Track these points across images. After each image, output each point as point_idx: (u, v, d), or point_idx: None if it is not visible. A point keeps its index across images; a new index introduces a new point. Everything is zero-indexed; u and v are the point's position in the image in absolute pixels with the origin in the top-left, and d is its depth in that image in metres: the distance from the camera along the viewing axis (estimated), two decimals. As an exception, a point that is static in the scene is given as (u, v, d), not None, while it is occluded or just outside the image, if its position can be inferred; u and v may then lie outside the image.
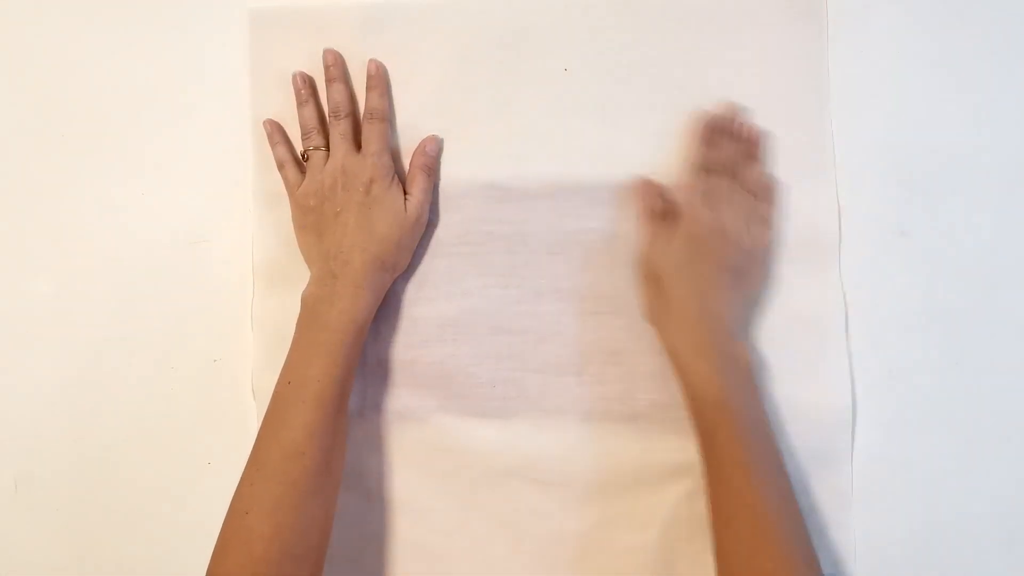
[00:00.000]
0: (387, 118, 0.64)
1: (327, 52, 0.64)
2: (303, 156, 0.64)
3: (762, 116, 0.64)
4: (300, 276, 0.65)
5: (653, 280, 0.61)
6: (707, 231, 0.60)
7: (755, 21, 0.64)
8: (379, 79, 0.64)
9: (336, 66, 0.64)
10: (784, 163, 0.64)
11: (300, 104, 0.65)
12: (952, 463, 0.63)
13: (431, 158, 0.64)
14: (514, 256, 0.65)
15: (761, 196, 0.63)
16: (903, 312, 0.63)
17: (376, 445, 0.65)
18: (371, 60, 0.64)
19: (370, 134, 0.63)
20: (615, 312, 0.64)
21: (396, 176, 0.63)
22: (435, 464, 0.65)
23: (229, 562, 0.54)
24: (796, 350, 0.63)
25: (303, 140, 0.64)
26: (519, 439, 0.64)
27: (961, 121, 0.63)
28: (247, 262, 0.66)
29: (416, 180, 0.63)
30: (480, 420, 0.65)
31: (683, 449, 0.63)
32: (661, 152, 0.64)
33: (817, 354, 0.63)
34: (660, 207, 0.63)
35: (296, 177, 0.64)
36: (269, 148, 0.66)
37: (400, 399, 0.65)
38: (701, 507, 0.63)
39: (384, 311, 0.65)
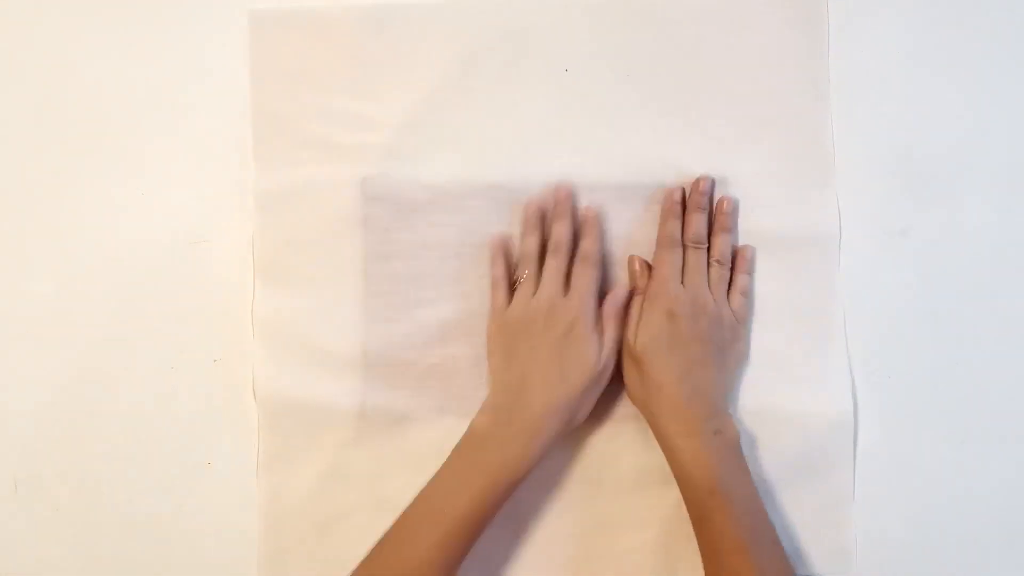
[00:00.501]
0: (600, 264, 0.63)
1: (560, 188, 0.64)
2: (514, 281, 0.64)
3: (762, 116, 0.64)
4: (300, 276, 0.65)
5: (634, 361, 0.61)
6: (683, 307, 0.60)
7: (755, 21, 0.64)
8: (595, 225, 0.63)
9: (565, 202, 0.63)
10: (784, 163, 0.64)
11: (527, 232, 0.64)
12: (952, 463, 0.63)
13: (622, 307, 0.63)
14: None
15: (735, 266, 0.63)
16: (903, 312, 0.63)
17: (376, 446, 0.65)
18: (587, 207, 0.64)
19: (581, 276, 0.62)
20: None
21: (596, 323, 0.61)
22: (435, 465, 0.65)
23: None
24: (796, 350, 0.63)
25: (520, 264, 0.63)
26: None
27: (961, 121, 0.63)
28: (247, 262, 0.66)
29: (610, 330, 0.62)
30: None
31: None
32: (662, 152, 0.64)
33: (817, 354, 0.63)
34: (635, 284, 0.63)
35: (503, 300, 0.63)
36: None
37: (400, 400, 0.65)
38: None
39: (384, 312, 0.65)
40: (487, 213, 0.65)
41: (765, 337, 0.63)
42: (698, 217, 0.63)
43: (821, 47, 0.64)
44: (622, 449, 0.64)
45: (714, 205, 0.64)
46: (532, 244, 0.63)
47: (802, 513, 0.63)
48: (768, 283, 0.64)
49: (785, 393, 0.63)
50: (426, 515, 0.58)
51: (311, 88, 0.66)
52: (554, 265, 0.62)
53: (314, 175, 0.65)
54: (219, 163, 0.67)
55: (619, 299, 0.63)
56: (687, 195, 0.63)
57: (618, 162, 0.64)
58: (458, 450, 0.60)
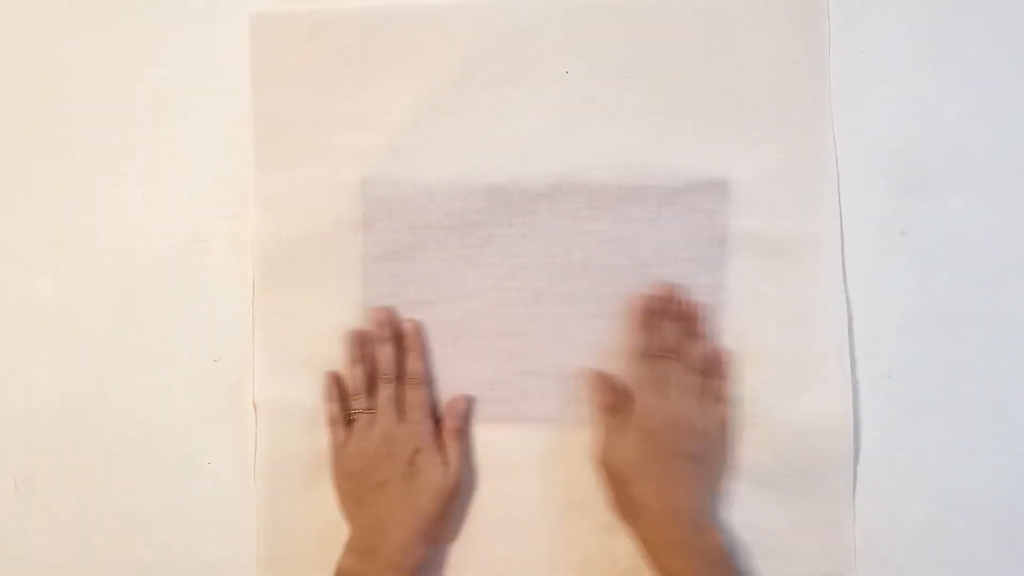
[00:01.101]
0: (428, 381, 0.64)
1: (378, 310, 0.64)
2: (349, 416, 0.64)
3: (763, 116, 0.63)
4: (300, 276, 0.65)
5: (615, 477, 0.60)
6: (660, 422, 0.59)
7: (756, 22, 0.64)
8: (416, 340, 0.64)
9: (388, 325, 0.64)
10: (784, 163, 0.63)
11: (352, 362, 0.64)
12: (952, 463, 0.63)
13: (461, 419, 0.63)
14: (515, 258, 0.65)
15: (710, 372, 0.62)
16: (903, 312, 0.63)
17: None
18: (407, 320, 0.64)
19: (413, 399, 0.63)
20: (615, 314, 0.64)
21: (437, 442, 0.62)
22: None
23: None
24: (796, 350, 0.63)
25: (352, 400, 0.63)
26: (518, 441, 0.64)
27: (961, 121, 0.63)
28: (247, 262, 0.66)
29: (451, 446, 0.62)
30: (480, 423, 0.65)
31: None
32: (662, 153, 0.64)
33: (817, 354, 0.63)
34: (612, 400, 0.62)
35: (343, 437, 0.63)
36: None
37: (400, 400, 0.65)
38: (701, 507, 0.63)
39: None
40: (487, 213, 0.65)
41: (765, 337, 0.63)
42: (668, 326, 0.62)
43: (822, 47, 0.64)
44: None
45: (681, 312, 0.62)
46: (359, 375, 0.63)
47: (802, 513, 0.63)
48: (768, 284, 0.63)
49: (785, 393, 0.63)
50: None
51: (311, 89, 0.66)
52: (385, 394, 0.62)
53: (314, 175, 0.65)
54: (219, 163, 0.67)
55: (458, 412, 0.63)
56: (653, 303, 0.62)
57: (618, 163, 0.64)
58: None
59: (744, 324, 0.63)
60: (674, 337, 0.62)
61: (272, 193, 0.66)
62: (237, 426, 0.66)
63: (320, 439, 0.64)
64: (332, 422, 0.63)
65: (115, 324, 0.67)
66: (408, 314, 0.65)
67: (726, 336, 0.64)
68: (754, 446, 0.63)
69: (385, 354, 0.63)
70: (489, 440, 0.65)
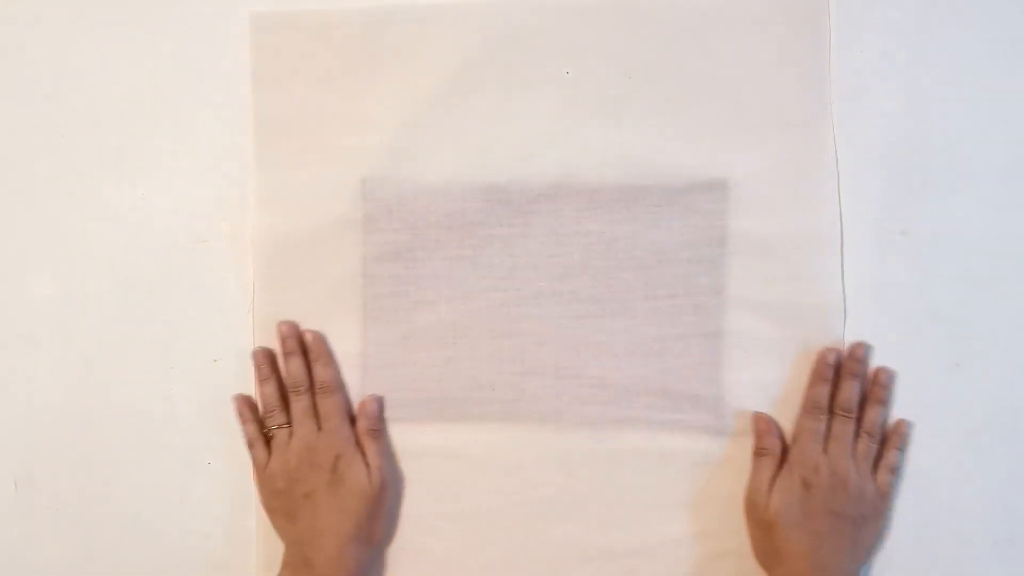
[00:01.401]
0: (339, 386, 0.64)
1: (281, 324, 0.64)
2: (267, 434, 0.64)
3: (763, 116, 0.63)
4: (300, 276, 0.65)
5: (764, 525, 0.59)
6: (819, 476, 0.59)
7: (756, 21, 0.64)
8: (320, 348, 0.64)
9: (292, 338, 0.64)
10: (785, 163, 0.63)
11: (261, 381, 0.64)
12: (952, 463, 0.63)
13: (375, 419, 0.64)
14: (515, 258, 0.65)
15: (888, 442, 0.61)
16: (903, 312, 0.63)
17: (376, 446, 0.65)
18: (306, 331, 0.64)
19: (326, 407, 0.63)
20: (615, 315, 0.64)
21: (358, 446, 0.63)
22: (434, 467, 0.65)
23: None
24: (796, 350, 0.63)
25: (266, 418, 0.64)
26: (518, 442, 0.64)
27: (962, 120, 0.63)
28: (247, 262, 0.66)
29: (369, 448, 0.63)
30: (480, 423, 0.65)
31: (683, 451, 0.63)
32: (662, 153, 0.64)
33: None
34: (773, 445, 0.61)
35: (264, 456, 0.63)
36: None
37: (400, 402, 0.65)
38: (700, 508, 0.63)
39: (384, 313, 0.65)
40: (487, 213, 0.65)
41: (765, 337, 0.63)
42: (851, 384, 0.61)
43: (823, 47, 0.64)
44: (622, 452, 0.64)
45: (870, 373, 0.62)
46: (270, 391, 0.64)
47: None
48: (768, 284, 0.63)
49: (784, 393, 0.63)
50: None
51: (311, 89, 0.66)
52: (299, 407, 0.63)
53: (314, 175, 0.66)
54: (219, 163, 0.67)
55: (371, 413, 0.64)
56: (840, 359, 0.61)
57: (618, 163, 0.64)
58: None
59: (744, 324, 0.63)
60: (855, 397, 0.61)
61: (272, 193, 0.66)
62: (237, 426, 0.65)
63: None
64: (251, 444, 0.64)
65: (115, 324, 0.67)
66: (408, 314, 0.65)
67: (726, 336, 0.64)
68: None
69: (293, 367, 0.64)
70: (489, 440, 0.65)
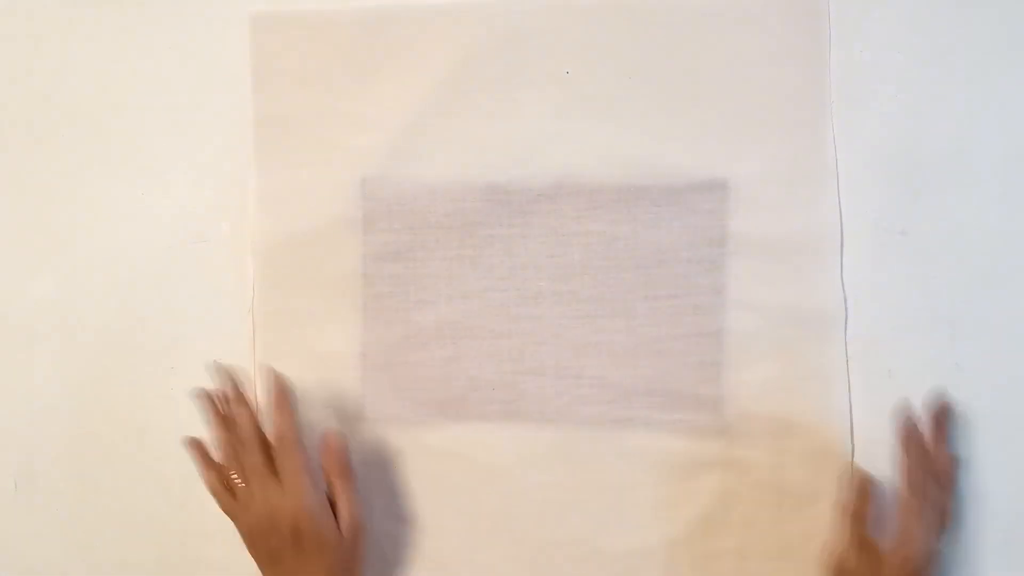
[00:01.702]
0: (298, 438, 0.59)
1: (217, 364, 0.61)
2: (228, 484, 0.60)
3: (763, 116, 0.63)
4: (300, 276, 0.65)
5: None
6: (923, 558, 0.57)
7: (755, 21, 0.64)
8: (282, 396, 0.60)
9: (234, 387, 0.61)
10: (785, 163, 0.63)
11: (213, 428, 0.61)
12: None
13: (342, 455, 0.61)
14: (514, 258, 0.65)
15: (943, 484, 0.60)
16: (903, 312, 0.63)
17: (375, 449, 0.65)
18: (265, 367, 0.61)
19: (285, 463, 0.58)
20: (615, 315, 0.64)
21: (323, 499, 0.59)
22: (435, 468, 0.65)
23: None
24: (795, 350, 0.63)
25: (224, 467, 0.61)
26: (519, 442, 0.64)
27: (961, 121, 0.63)
28: (247, 262, 0.66)
29: (338, 491, 0.60)
30: (480, 423, 0.65)
31: (683, 451, 0.63)
32: (662, 153, 0.64)
33: (817, 354, 0.63)
34: (868, 513, 0.59)
35: (231, 505, 0.60)
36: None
37: (399, 402, 0.65)
38: (700, 508, 0.63)
39: (384, 313, 0.65)
40: (487, 213, 0.65)
41: (765, 338, 0.63)
42: (939, 449, 0.60)
43: (822, 47, 0.64)
44: (622, 452, 0.64)
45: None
46: (224, 440, 0.61)
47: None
48: (768, 284, 0.63)
49: (784, 393, 0.63)
50: None
51: (311, 89, 0.66)
52: (250, 464, 0.59)
53: (314, 175, 0.66)
54: (219, 163, 0.67)
55: (336, 450, 0.60)
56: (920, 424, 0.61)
57: (618, 163, 0.64)
58: None
59: (744, 324, 0.63)
60: (944, 461, 0.60)
61: (272, 193, 0.66)
62: (237, 426, 0.65)
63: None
64: (214, 492, 0.60)
65: (115, 324, 0.67)
66: (408, 314, 0.65)
67: (726, 336, 0.64)
68: (754, 446, 0.63)
69: (241, 417, 0.60)
70: (489, 440, 0.65)
